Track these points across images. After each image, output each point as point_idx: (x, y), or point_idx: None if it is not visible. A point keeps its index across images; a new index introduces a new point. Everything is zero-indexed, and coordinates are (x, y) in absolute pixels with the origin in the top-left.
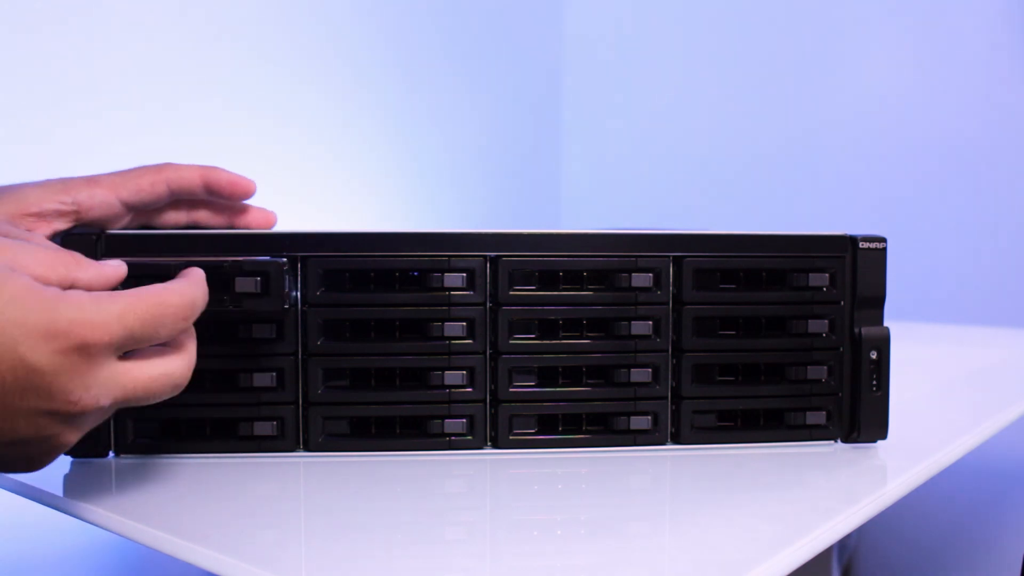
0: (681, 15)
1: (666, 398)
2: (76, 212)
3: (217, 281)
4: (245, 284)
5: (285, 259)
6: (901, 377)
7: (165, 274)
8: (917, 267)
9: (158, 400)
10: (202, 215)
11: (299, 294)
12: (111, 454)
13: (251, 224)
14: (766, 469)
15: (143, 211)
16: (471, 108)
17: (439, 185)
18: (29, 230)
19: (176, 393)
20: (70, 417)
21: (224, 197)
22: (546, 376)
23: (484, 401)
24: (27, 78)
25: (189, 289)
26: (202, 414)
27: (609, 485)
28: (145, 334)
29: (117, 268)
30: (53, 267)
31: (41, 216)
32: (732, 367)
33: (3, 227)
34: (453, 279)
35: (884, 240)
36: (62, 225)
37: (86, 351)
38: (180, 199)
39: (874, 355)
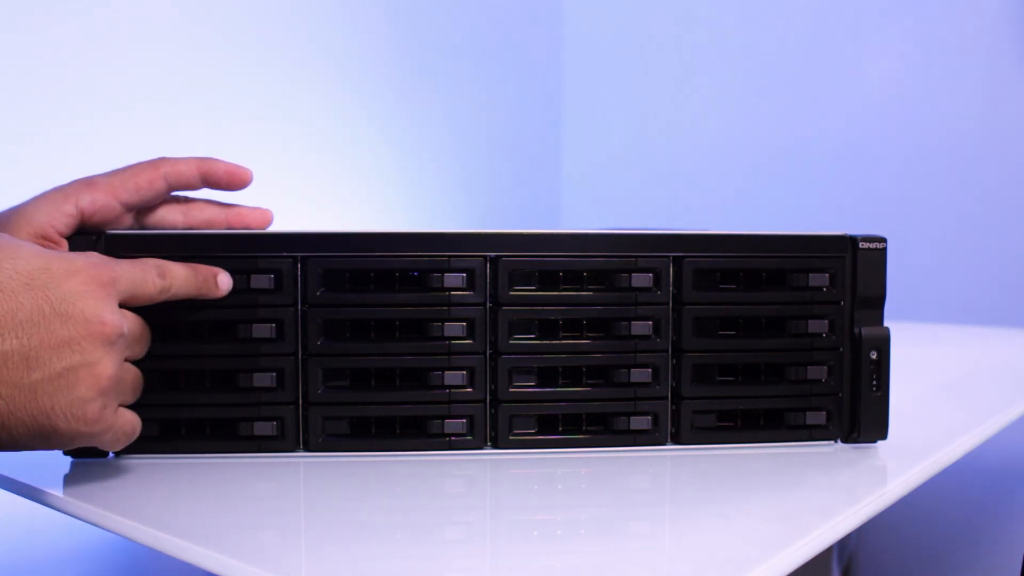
0: (681, 15)
1: (666, 398)
2: (79, 219)
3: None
4: (260, 281)
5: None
6: (901, 377)
7: None
8: (917, 267)
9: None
10: (199, 213)
11: (299, 294)
12: (111, 454)
13: (248, 223)
14: (766, 469)
15: (143, 209)
16: (471, 108)
17: (439, 185)
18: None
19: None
20: (105, 340)
21: (222, 187)
22: (546, 376)
23: (484, 401)
24: (27, 78)
25: (160, 260)
26: (202, 414)
27: (609, 485)
28: (136, 279)
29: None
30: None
31: (57, 233)
32: (732, 367)
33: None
34: (453, 279)
35: (884, 240)
36: (68, 233)
37: (100, 281)
38: (177, 197)
39: (874, 355)
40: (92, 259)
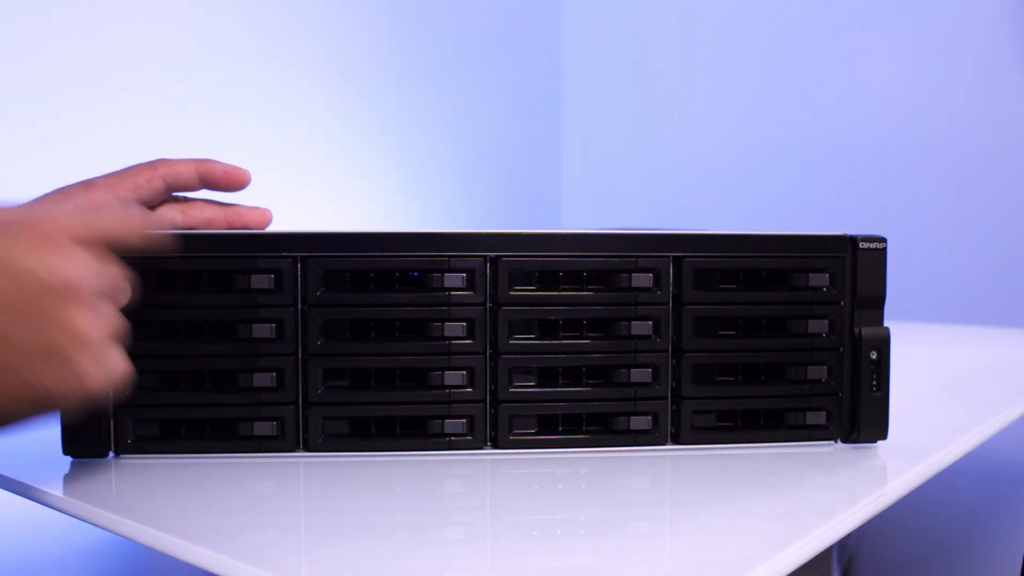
0: (681, 15)
1: (666, 398)
2: None
3: (228, 279)
4: (260, 281)
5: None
6: (901, 377)
7: (165, 271)
8: (917, 267)
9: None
10: (198, 213)
11: (299, 294)
12: (111, 454)
13: (248, 222)
14: (766, 469)
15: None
16: (471, 108)
17: (439, 185)
18: None
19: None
20: (70, 294)
21: (220, 188)
22: (546, 376)
23: (484, 401)
24: (27, 77)
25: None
26: (202, 414)
27: (609, 485)
28: (93, 225)
29: None
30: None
31: None
32: (732, 367)
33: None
34: (453, 279)
35: (884, 240)
36: None
37: (47, 235)
38: (176, 197)
39: (874, 355)
40: (40, 212)
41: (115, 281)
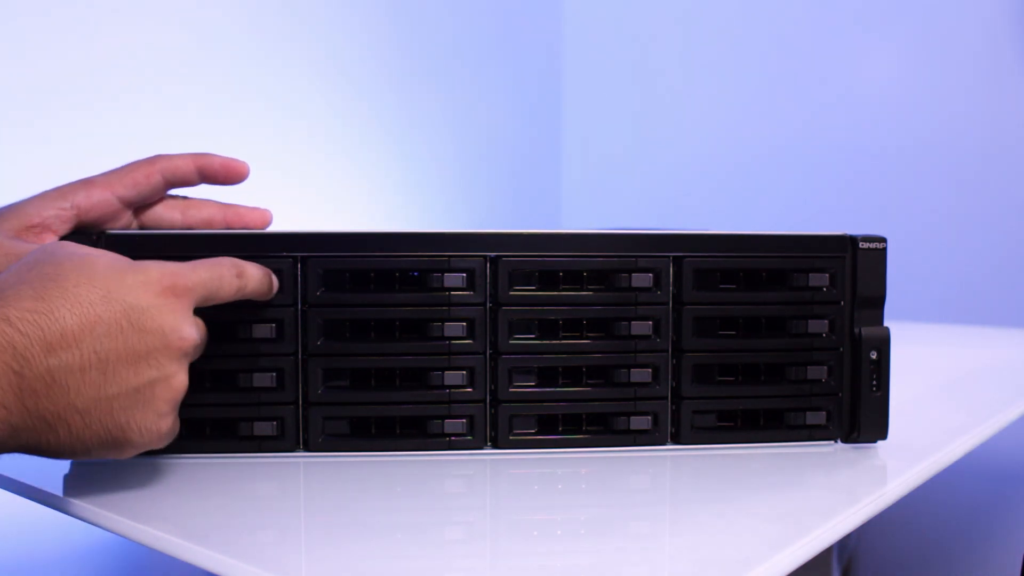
0: (681, 15)
1: (666, 398)
2: (75, 215)
3: None
4: None
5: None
6: (901, 377)
7: None
8: (917, 267)
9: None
10: (197, 212)
11: (299, 294)
12: None
13: (247, 222)
14: (766, 469)
15: (142, 206)
16: (471, 108)
17: (439, 185)
18: (35, 241)
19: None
20: (182, 354)
21: (219, 181)
22: (546, 376)
23: (484, 401)
24: (27, 77)
25: (235, 260)
26: (202, 414)
27: (609, 485)
28: (212, 284)
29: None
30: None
31: (44, 226)
32: (732, 367)
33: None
34: (453, 279)
35: (884, 240)
36: (64, 230)
37: (176, 292)
38: (175, 196)
39: (874, 355)
40: (167, 267)
41: (205, 342)
